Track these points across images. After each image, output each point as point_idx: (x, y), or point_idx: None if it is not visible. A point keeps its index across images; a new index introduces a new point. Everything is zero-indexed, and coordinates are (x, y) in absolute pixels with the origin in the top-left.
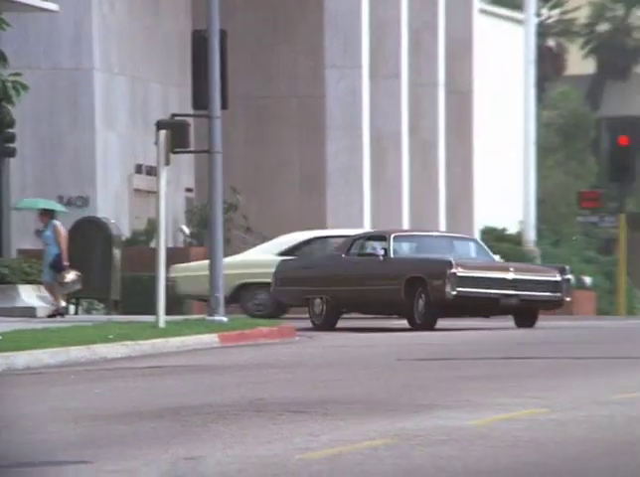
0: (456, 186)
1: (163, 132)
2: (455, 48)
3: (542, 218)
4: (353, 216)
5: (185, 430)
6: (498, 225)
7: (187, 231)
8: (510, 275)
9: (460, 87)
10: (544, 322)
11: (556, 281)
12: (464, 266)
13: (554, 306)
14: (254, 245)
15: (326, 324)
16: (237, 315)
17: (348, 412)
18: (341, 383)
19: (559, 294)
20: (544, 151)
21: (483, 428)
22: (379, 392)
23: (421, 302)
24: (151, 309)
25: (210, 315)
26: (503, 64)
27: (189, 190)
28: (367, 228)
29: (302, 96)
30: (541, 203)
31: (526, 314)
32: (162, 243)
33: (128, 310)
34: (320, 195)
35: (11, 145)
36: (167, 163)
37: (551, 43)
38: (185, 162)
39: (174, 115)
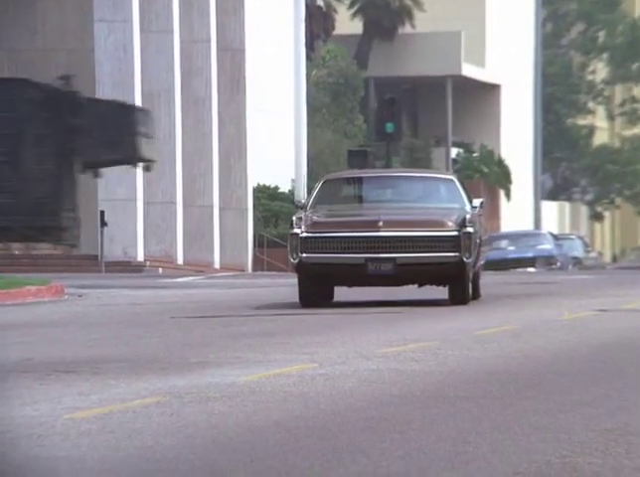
0: (230, 143)
1: None
2: (227, 4)
3: (312, 176)
4: (124, 172)
5: None
6: (271, 183)
7: None
8: (380, 232)
9: (232, 45)
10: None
11: (452, 237)
12: (314, 224)
13: (452, 273)
14: None
15: None
16: (4, 274)
17: (119, 371)
18: (112, 341)
19: (456, 254)
20: (313, 110)
21: (254, 384)
22: (150, 350)
23: None
24: None
25: None
26: (273, 21)
27: None
28: (139, 185)
29: (71, 50)
30: (311, 161)
31: (433, 282)
32: None
33: None
34: None
35: None
36: None
37: (319, 2)
38: None
39: None
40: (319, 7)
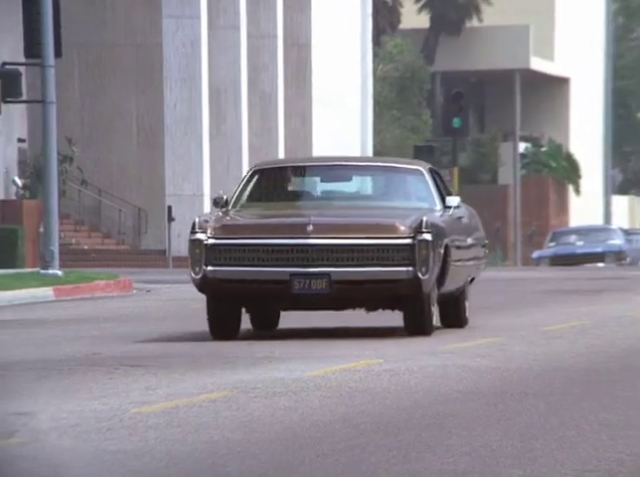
0: (295, 138)
1: None
2: (293, 0)
3: None
4: (191, 168)
5: (17, 386)
6: None
7: (20, 182)
8: (309, 239)
9: (299, 40)
10: None
11: (403, 246)
12: (223, 228)
13: (405, 294)
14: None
15: None
16: (73, 269)
17: (186, 366)
18: (178, 336)
19: (408, 269)
20: (379, 105)
21: (320, 380)
22: (217, 345)
23: None
24: None
25: (44, 269)
26: (340, 16)
27: (21, 140)
28: (206, 181)
29: (139, 45)
30: (379, 155)
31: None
32: None
33: None
34: (158, 147)
35: None
36: None
37: None
38: (17, 112)
39: (5, 64)
40: (385, 1)
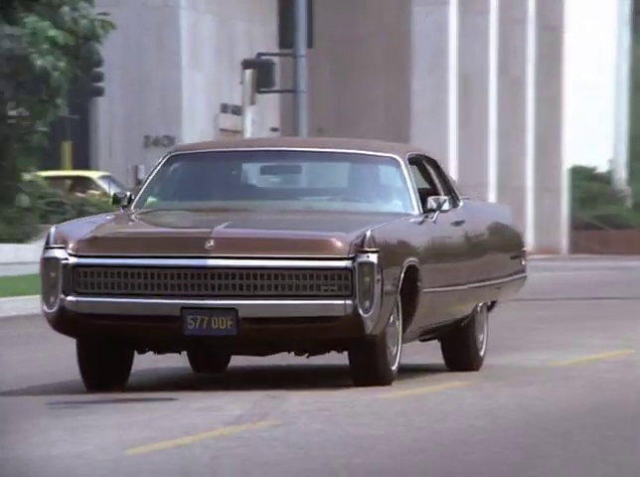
0: (545, 123)
1: (249, 71)
2: None
3: (635, 156)
4: (438, 156)
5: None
6: (588, 163)
7: None
8: (209, 260)
9: (551, 23)
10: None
11: (336, 269)
12: (91, 242)
13: (341, 333)
14: None
15: None
16: None
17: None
18: None
19: (345, 302)
20: (637, 87)
21: (568, 369)
22: None
23: None
24: None
25: None
26: None
27: (274, 129)
28: (453, 170)
29: (388, 34)
30: (635, 140)
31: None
32: None
33: None
34: (405, 135)
35: (99, 84)
36: (252, 102)
37: None
38: (270, 101)
39: (260, 54)
40: None
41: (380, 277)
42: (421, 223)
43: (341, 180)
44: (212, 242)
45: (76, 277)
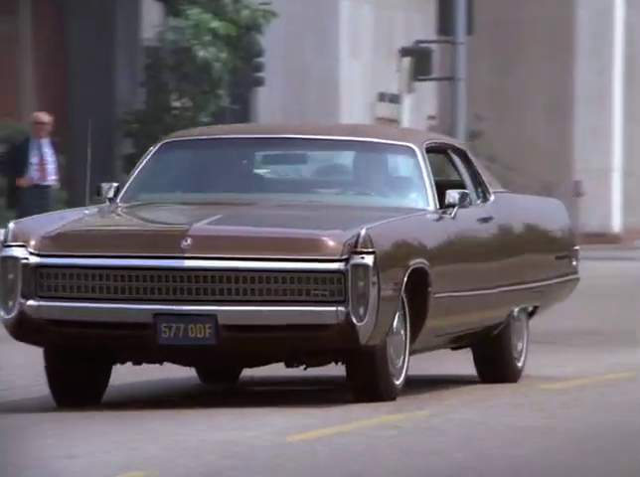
0: None
1: (406, 59)
2: None
3: None
4: (600, 142)
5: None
6: None
7: None
8: (185, 261)
9: None
10: None
11: (327, 272)
12: (55, 239)
13: (333, 343)
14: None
15: None
16: None
17: (593, 344)
18: (584, 313)
19: (338, 308)
20: None
21: None
22: (626, 324)
23: None
24: None
25: None
26: None
27: (431, 117)
28: (617, 155)
29: (550, 18)
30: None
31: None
32: None
33: None
34: (567, 121)
35: (260, 74)
36: (410, 91)
37: None
38: (427, 89)
39: (418, 42)
40: None
41: (376, 281)
42: (438, 219)
43: (349, 171)
44: (188, 241)
45: (37, 279)
